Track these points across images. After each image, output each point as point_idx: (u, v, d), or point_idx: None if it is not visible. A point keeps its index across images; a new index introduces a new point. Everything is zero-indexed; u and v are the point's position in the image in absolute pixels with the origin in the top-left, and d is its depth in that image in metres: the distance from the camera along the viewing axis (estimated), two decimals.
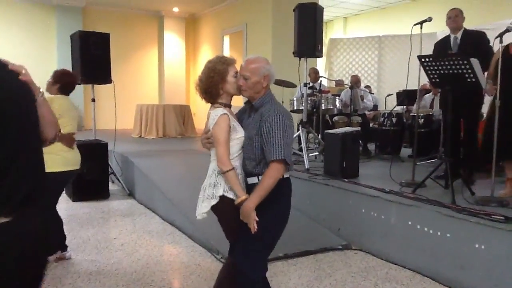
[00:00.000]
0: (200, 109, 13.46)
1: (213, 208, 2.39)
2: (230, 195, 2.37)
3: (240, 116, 2.52)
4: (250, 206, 2.25)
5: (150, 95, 13.43)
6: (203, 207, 2.41)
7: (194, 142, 9.47)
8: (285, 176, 2.37)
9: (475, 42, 4.62)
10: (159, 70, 13.74)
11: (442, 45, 4.91)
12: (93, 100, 6.72)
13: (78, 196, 5.95)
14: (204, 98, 2.46)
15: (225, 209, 2.39)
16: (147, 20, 13.49)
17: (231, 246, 2.54)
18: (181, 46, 13.60)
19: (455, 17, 4.79)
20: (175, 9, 12.95)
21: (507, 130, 3.75)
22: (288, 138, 2.30)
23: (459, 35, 4.79)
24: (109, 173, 6.42)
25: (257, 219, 2.26)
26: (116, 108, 6.61)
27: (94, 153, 6.10)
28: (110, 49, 6.59)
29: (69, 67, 6.83)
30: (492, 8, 9.08)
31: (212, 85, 2.37)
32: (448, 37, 4.90)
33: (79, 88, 11.18)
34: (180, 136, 10.26)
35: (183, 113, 10.62)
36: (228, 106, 2.46)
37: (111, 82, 6.46)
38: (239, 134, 2.38)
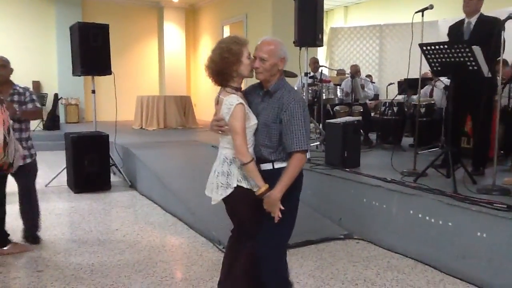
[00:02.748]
0: (201, 99, 13.44)
1: (226, 197, 2.38)
2: (244, 184, 2.36)
3: (249, 99, 2.45)
4: (277, 195, 2.25)
5: (150, 86, 13.40)
6: (219, 195, 2.38)
7: (195, 133, 9.47)
8: None
9: (488, 29, 4.14)
10: (159, 61, 13.69)
11: (456, 30, 4.67)
12: (93, 91, 6.70)
13: (79, 188, 5.96)
14: (216, 80, 2.37)
15: (238, 199, 2.38)
16: (147, 11, 13.42)
17: (239, 234, 2.55)
18: (181, 37, 13.53)
19: (468, 1, 4.49)
20: (175, 0, 12.87)
21: None
22: (308, 127, 2.31)
23: (473, 20, 4.50)
24: (110, 164, 6.42)
25: (283, 208, 2.27)
26: (117, 100, 6.59)
27: (95, 145, 6.12)
28: (110, 41, 6.55)
29: (68, 59, 6.83)
30: None
31: (227, 66, 2.29)
32: (462, 21, 4.62)
33: (79, 80, 11.29)
34: (181, 127, 10.26)
35: (184, 104, 10.60)
36: (239, 89, 2.41)
37: (111, 74, 6.43)
38: (252, 122, 2.33)
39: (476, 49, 3.69)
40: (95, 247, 3.98)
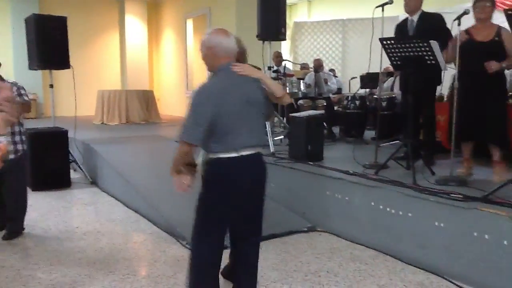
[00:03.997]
0: (164, 94, 13.27)
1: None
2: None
3: None
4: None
5: (112, 80, 13.08)
6: None
7: (158, 127, 9.34)
8: (220, 156, 2.31)
9: (431, 24, 4.53)
10: (121, 55, 13.39)
11: (401, 28, 4.86)
12: (51, 86, 6.49)
13: (37, 185, 5.75)
14: None
15: None
16: (107, 3, 13.07)
17: None
18: (143, 30, 13.26)
19: (408, 1, 4.69)
20: None
21: (465, 112, 3.85)
22: (196, 119, 2.25)
23: (415, 17, 4.69)
24: (70, 161, 6.24)
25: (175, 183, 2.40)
26: (77, 94, 6.39)
27: (53, 141, 5.93)
28: (68, 33, 6.35)
29: (25, 53, 6.58)
30: None
31: None
32: (406, 20, 4.82)
33: (37, 74, 10.89)
34: (143, 122, 10.08)
35: (147, 99, 10.43)
36: None
37: (69, 67, 6.25)
38: None
39: (434, 44, 3.78)
40: (54, 246, 3.86)
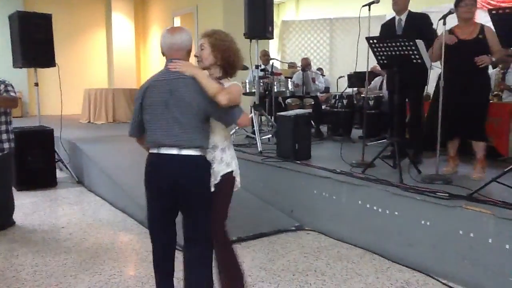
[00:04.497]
0: None
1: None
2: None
3: None
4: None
5: (98, 79, 12.98)
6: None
7: None
8: (150, 150, 2.41)
9: (419, 24, 4.59)
10: (107, 53, 13.29)
11: (388, 27, 4.90)
12: (36, 84, 6.42)
13: (23, 185, 5.68)
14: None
15: None
16: (93, 0, 12.95)
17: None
18: (130, 28, 13.17)
19: (397, 0, 4.74)
20: None
21: (449, 111, 3.88)
22: (134, 114, 2.45)
23: (403, 17, 4.73)
24: (56, 160, 6.17)
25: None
26: (63, 93, 6.33)
27: (39, 140, 5.86)
28: (54, 31, 6.28)
29: (9, 50, 6.49)
30: None
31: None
32: (393, 19, 4.87)
33: (22, 72, 10.73)
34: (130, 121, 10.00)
35: (134, 97, 10.34)
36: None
37: (55, 66, 6.18)
38: None
39: (420, 43, 3.81)
40: (39, 246, 3.81)
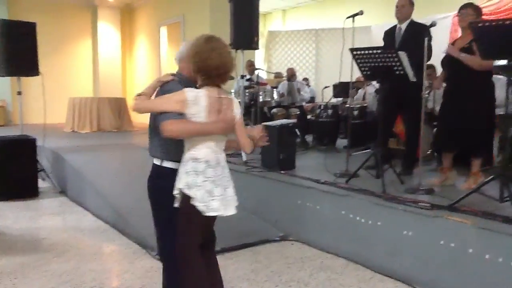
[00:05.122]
0: None
1: None
2: None
3: None
4: None
5: (84, 88, 12.88)
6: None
7: (130, 136, 9.22)
8: None
9: (418, 34, 4.21)
10: (93, 62, 13.22)
11: (389, 34, 4.86)
12: (19, 93, 6.33)
13: (3, 195, 5.57)
14: (226, 80, 2.24)
15: None
16: (79, 9, 12.91)
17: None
18: (117, 37, 13.14)
19: (401, 7, 4.69)
20: None
21: (447, 122, 3.91)
22: None
23: (403, 26, 4.69)
24: (38, 170, 6.09)
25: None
26: (48, 102, 6.28)
27: (21, 149, 5.78)
28: (39, 40, 6.24)
29: None
30: (428, 2, 9.45)
31: (233, 67, 2.27)
32: (395, 27, 4.81)
33: (5, 81, 10.63)
34: (115, 130, 9.94)
35: (119, 106, 10.29)
36: None
37: (38, 74, 6.12)
38: None
39: (402, 55, 3.86)
40: (19, 258, 3.74)
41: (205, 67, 2.15)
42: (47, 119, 6.30)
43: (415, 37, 4.29)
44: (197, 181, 2.13)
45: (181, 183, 2.15)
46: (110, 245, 4.13)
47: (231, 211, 2.22)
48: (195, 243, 2.24)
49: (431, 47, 4.27)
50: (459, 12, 4.01)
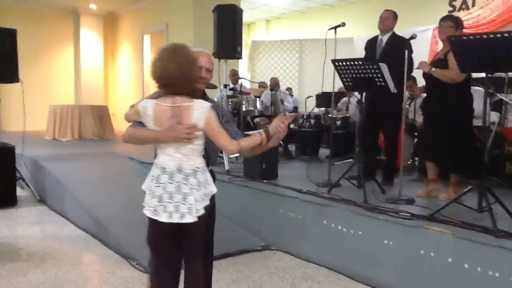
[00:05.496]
0: (119, 110, 13.01)
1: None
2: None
3: None
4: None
5: (65, 95, 12.71)
6: (200, 210, 2.17)
7: (112, 144, 9.12)
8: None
9: (398, 48, 4.29)
10: (75, 70, 13.07)
11: (370, 44, 4.94)
12: None
13: None
14: (183, 92, 2.19)
15: (212, 210, 2.38)
16: (61, 17, 12.76)
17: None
18: (99, 44, 13.04)
19: (384, 19, 4.78)
20: (92, 6, 12.38)
21: (427, 133, 3.96)
22: None
23: (385, 38, 4.79)
24: (17, 178, 5.98)
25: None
26: (28, 109, 6.20)
27: None
28: (19, 46, 6.15)
29: None
30: (409, 15, 9.63)
31: (196, 77, 2.27)
32: (377, 37, 4.90)
33: None
34: (97, 138, 9.82)
35: (101, 114, 10.18)
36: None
37: (18, 81, 6.03)
38: None
39: (383, 66, 3.92)
40: None
41: (155, 76, 2.19)
42: (27, 126, 6.20)
43: (395, 49, 4.36)
44: (151, 185, 2.19)
45: (143, 185, 2.25)
46: (90, 255, 4.07)
47: (188, 219, 2.15)
48: (158, 251, 2.32)
49: (412, 60, 4.35)
50: (439, 24, 4.06)
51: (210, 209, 2.32)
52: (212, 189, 2.26)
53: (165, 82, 2.18)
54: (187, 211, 2.14)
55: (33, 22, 12.03)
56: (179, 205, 2.14)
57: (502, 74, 5.22)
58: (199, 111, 2.18)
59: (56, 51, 12.85)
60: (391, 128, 4.78)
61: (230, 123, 2.50)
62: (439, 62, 3.95)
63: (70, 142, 9.32)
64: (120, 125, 12.18)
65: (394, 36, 4.78)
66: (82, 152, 7.63)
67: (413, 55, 4.36)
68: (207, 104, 2.20)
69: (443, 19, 4.03)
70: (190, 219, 2.14)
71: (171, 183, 2.16)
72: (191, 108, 2.19)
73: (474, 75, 3.91)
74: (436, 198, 4.06)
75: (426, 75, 4.01)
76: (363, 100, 4.24)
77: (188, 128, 2.14)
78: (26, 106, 6.18)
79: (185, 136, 2.15)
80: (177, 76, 2.14)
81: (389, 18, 4.79)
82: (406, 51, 3.79)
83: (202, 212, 2.18)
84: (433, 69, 3.86)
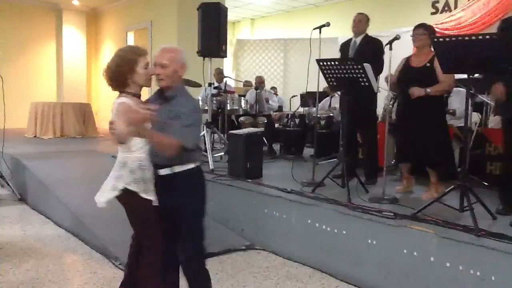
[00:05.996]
0: (102, 107, 12.87)
1: (119, 200, 2.41)
2: (133, 188, 2.36)
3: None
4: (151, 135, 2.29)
5: (47, 92, 12.50)
6: (104, 197, 2.42)
7: (95, 142, 9.02)
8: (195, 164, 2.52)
9: (371, 49, 4.70)
10: (57, 66, 12.86)
11: (344, 47, 5.04)
12: None
13: None
14: (111, 85, 2.43)
15: (127, 203, 2.42)
16: (43, 12, 12.54)
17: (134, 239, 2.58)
18: (82, 41, 12.87)
19: (357, 22, 4.88)
20: (75, 2, 12.21)
21: (402, 135, 4.01)
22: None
23: (358, 39, 4.88)
24: None
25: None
26: (8, 106, 6.07)
27: None
28: (0, 42, 6.06)
29: None
30: (393, 16, 9.71)
31: (120, 74, 2.37)
32: (350, 39, 4.99)
33: None
34: (79, 136, 9.69)
35: (83, 112, 10.05)
36: (137, 96, 2.44)
37: None
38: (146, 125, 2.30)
39: (367, 67, 3.94)
40: None
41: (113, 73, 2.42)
42: (7, 123, 6.09)
43: (369, 50, 4.65)
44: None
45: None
46: (72, 254, 4.01)
47: (100, 198, 2.43)
48: None
49: (383, 61, 4.52)
50: (413, 33, 4.16)
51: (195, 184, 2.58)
52: (119, 184, 2.38)
53: (105, 79, 2.43)
54: (106, 193, 2.45)
55: (14, 17, 11.81)
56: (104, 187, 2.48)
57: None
58: (114, 107, 2.35)
59: (37, 47, 12.63)
60: (367, 128, 4.88)
61: (181, 121, 2.36)
62: (423, 71, 4.02)
63: (52, 140, 9.18)
64: (103, 123, 12.05)
65: (368, 38, 4.92)
66: (64, 150, 7.52)
67: (397, 55, 4.41)
68: (118, 100, 2.36)
69: (416, 28, 4.16)
70: (104, 201, 2.44)
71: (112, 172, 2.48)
72: (113, 104, 2.37)
73: (457, 76, 3.96)
74: (416, 197, 4.12)
75: (399, 81, 4.09)
76: (343, 100, 4.31)
77: (110, 123, 2.29)
78: (6, 103, 6.07)
79: (110, 132, 2.31)
80: (106, 72, 2.40)
81: (362, 21, 4.92)
82: (379, 52, 3.89)
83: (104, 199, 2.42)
84: (428, 90, 3.92)
